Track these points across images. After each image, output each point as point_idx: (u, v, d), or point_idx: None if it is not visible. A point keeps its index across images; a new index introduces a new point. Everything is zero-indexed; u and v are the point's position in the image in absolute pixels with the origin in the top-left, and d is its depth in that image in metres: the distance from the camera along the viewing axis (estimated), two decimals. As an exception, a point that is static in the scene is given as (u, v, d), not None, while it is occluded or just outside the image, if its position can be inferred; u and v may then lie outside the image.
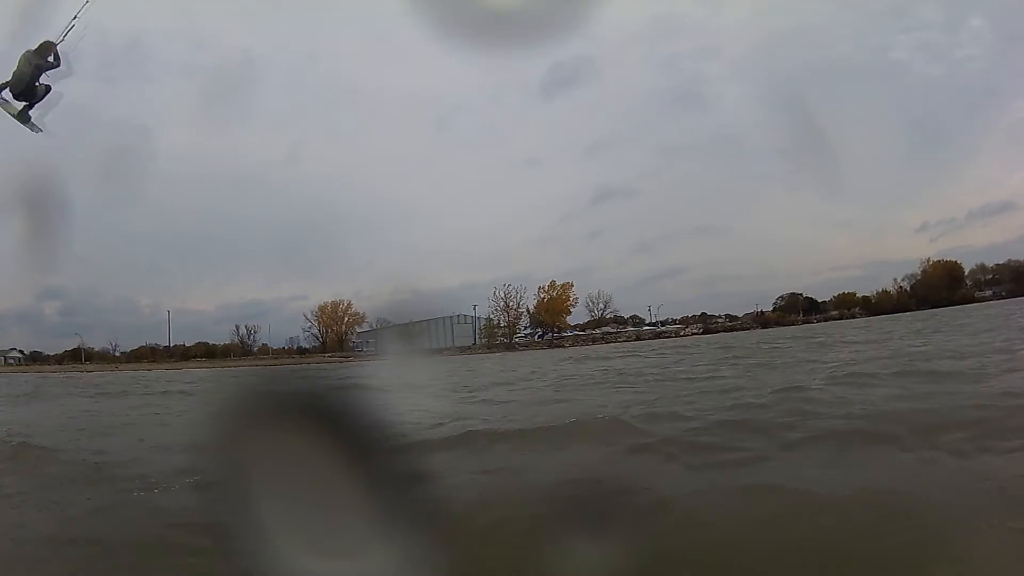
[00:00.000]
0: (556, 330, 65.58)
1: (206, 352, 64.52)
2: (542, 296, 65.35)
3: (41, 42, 6.11)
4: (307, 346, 66.11)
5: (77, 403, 14.95)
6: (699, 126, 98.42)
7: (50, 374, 42.72)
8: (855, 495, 3.44)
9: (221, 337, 67.11)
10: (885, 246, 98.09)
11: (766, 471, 4.19)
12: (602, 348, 45.03)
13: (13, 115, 6.28)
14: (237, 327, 65.58)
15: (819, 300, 65.37)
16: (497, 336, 63.76)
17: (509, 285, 64.42)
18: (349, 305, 64.99)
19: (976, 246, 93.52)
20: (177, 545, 3.29)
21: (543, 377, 15.46)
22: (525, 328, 66.91)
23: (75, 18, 6.49)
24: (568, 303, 66.05)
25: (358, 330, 65.20)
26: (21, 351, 61.06)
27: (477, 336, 63.58)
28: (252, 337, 65.94)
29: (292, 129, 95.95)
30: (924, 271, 63.79)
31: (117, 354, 61.98)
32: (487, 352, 54.21)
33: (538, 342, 62.76)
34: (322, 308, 65.66)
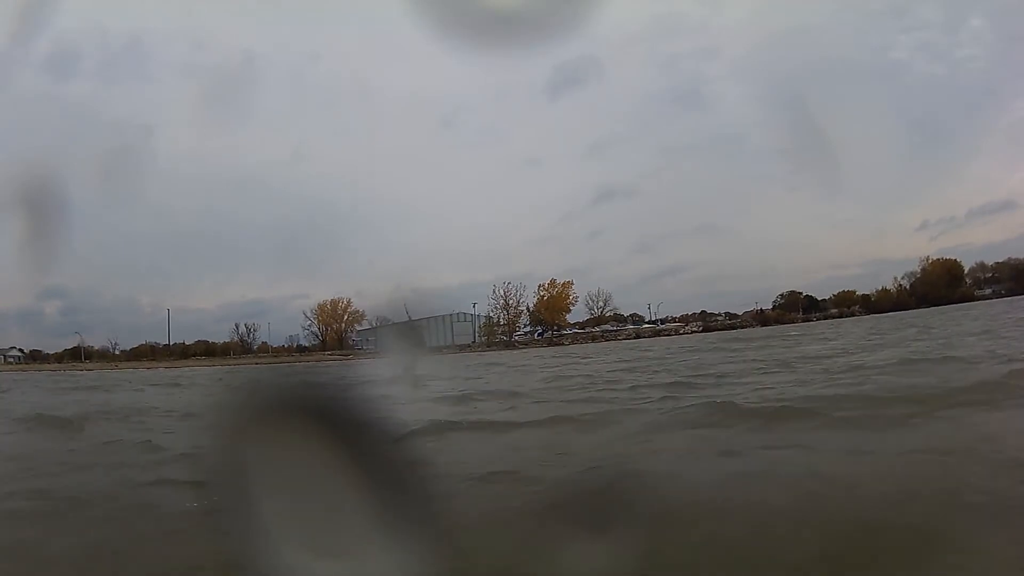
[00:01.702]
0: (556, 328, 65.68)
1: (206, 350, 64.59)
2: (542, 294, 65.47)
3: None
4: (307, 344, 66.24)
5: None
6: (699, 126, 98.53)
7: (51, 372, 42.69)
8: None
9: (222, 335, 67.26)
10: (885, 245, 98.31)
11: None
12: (599, 345, 45.07)
13: None
14: (237, 325, 65.69)
15: (819, 298, 65.58)
16: (496, 334, 63.85)
17: (509, 283, 64.52)
18: (349, 303, 65.09)
19: (976, 244, 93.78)
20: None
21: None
22: (525, 326, 67.03)
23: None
24: (568, 301, 66.19)
25: (358, 328, 65.33)
26: (21, 349, 61.12)
27: (477, 334, 63.65)
28: (252, 335, 66.06)
29: (293, 129, 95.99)
30: (924, 269, 63.96)
31: (117, 352, 62.07)
32: (484, 350, 54.24)
33: (538, 340, 62.85)
34: (321, 307, 65.79)
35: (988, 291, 61.46)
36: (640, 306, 69.23)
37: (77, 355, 60.07)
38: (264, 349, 65.29)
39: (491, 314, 65.46)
